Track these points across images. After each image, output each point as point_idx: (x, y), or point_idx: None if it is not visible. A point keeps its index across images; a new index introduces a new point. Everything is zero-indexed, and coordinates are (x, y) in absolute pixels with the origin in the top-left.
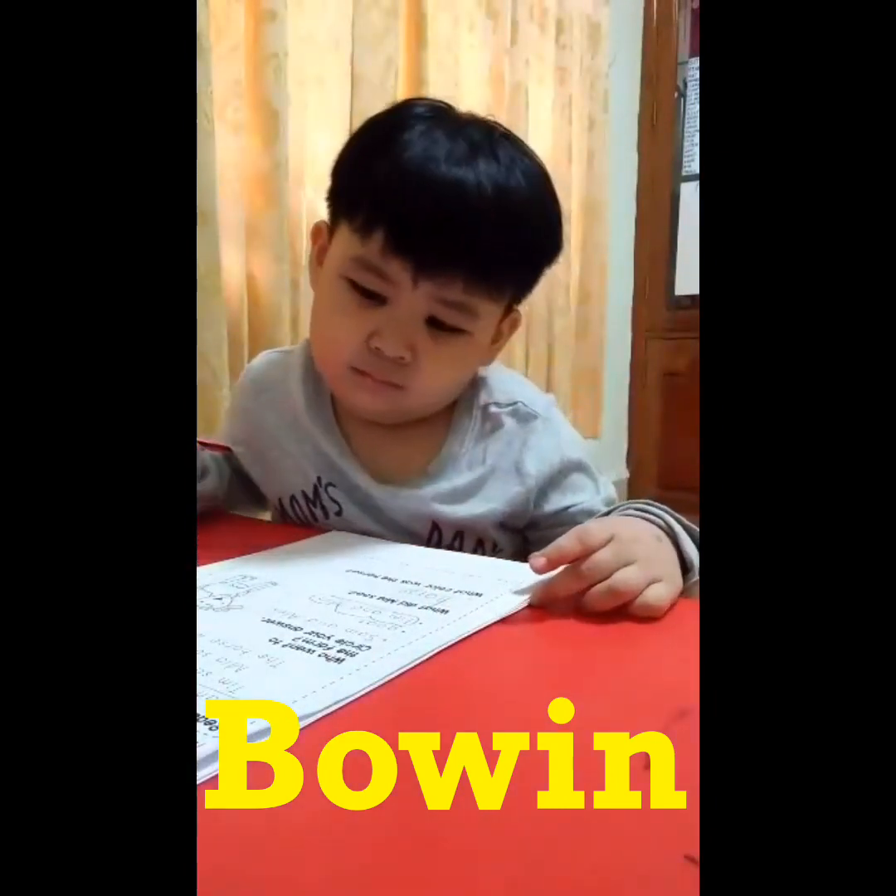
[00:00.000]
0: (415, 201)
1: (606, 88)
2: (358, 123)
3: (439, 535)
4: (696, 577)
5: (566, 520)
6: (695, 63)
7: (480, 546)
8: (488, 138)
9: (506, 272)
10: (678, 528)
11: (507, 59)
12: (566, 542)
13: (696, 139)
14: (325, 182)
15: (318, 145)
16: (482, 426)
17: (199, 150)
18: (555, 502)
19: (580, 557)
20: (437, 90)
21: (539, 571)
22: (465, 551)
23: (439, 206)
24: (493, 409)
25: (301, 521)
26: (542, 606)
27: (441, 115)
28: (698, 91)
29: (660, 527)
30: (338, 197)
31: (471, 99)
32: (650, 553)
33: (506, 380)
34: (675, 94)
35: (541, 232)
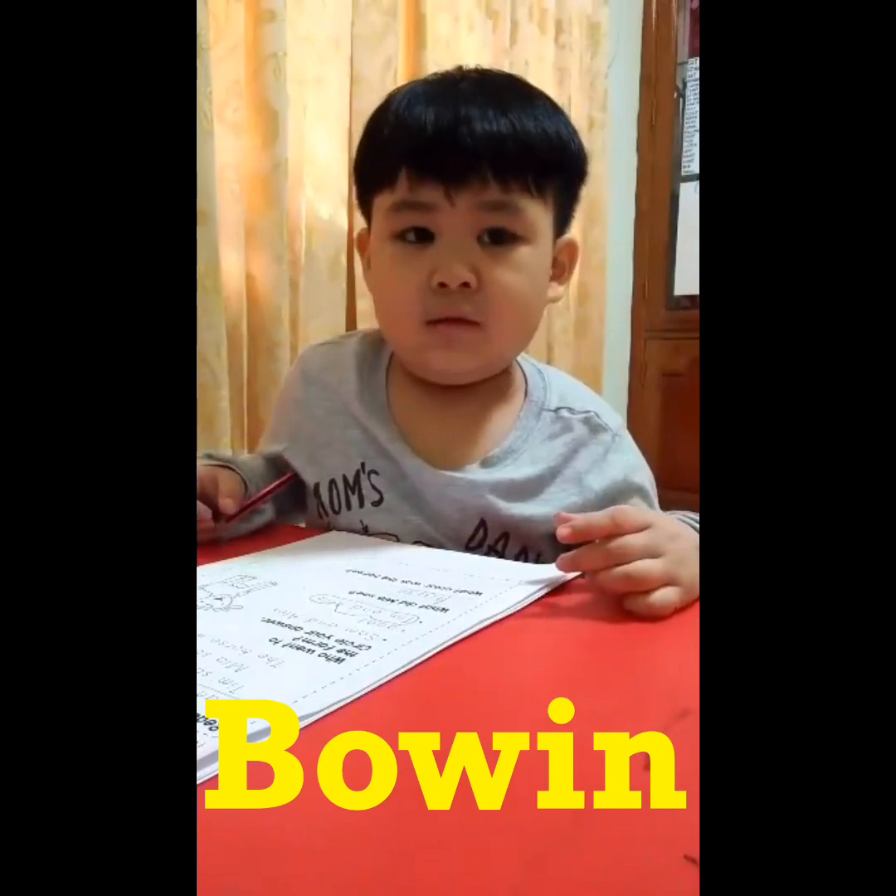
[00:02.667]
0: (417, 124)
1: (606, 88)
2: (357, 123)
3: (484, 533)
4: None
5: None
6: (694, 63)
7: (524, 554)
8: (478, 72)
9: (529, 156)
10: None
11: (507, 59)
12: (598, 517)
13: (696, 139)
14: (325, 182)
15: (317, 145)
16: (551, 427)
17: (197, 150)
18: (597, 484)
19: (609, 536)
20: None
21: (562, 540)
22: (506, 558)
23: (439, 118)
24: (564, 413)
25: (335, 511)
26: (564, 571)
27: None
28: (697, 91)
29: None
30: (362, 178)
31: None
32: (683, 555)
33: (580, 389)
34: (675, 95)
35: (548, 116)
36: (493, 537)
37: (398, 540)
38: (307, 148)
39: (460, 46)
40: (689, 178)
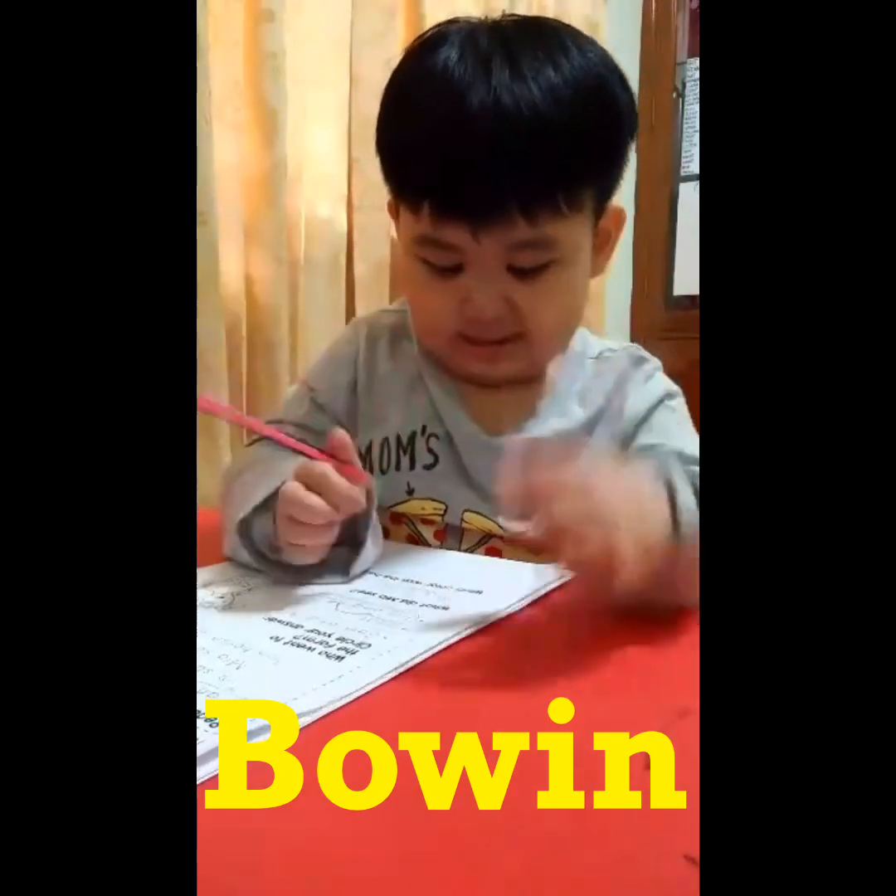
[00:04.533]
0: (436, 161)
1: None
2: (357, 124)
3: None
4: (686, 540)
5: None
6: (693, 63)
7: None
8: (503, 46)
9: (557, 185)
10: (679, 483)
11: None
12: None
13: (695, 139)
14: (325, 182)
15: (316, 146)
16: (595, 369)
17: (196, 150)
18: (641, 439)
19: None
20: None
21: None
22: None
23: (462, 146)
24: (607, 353)
25: (382, 471)
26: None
27: (451, 39)
28: (697, 91)
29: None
30: (384, 172)
31: None
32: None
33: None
34: (674, 95)
35: (578, 130)
36: None
37: (446, 509)
38: (306, 148)
39: None
40: (688, 179)
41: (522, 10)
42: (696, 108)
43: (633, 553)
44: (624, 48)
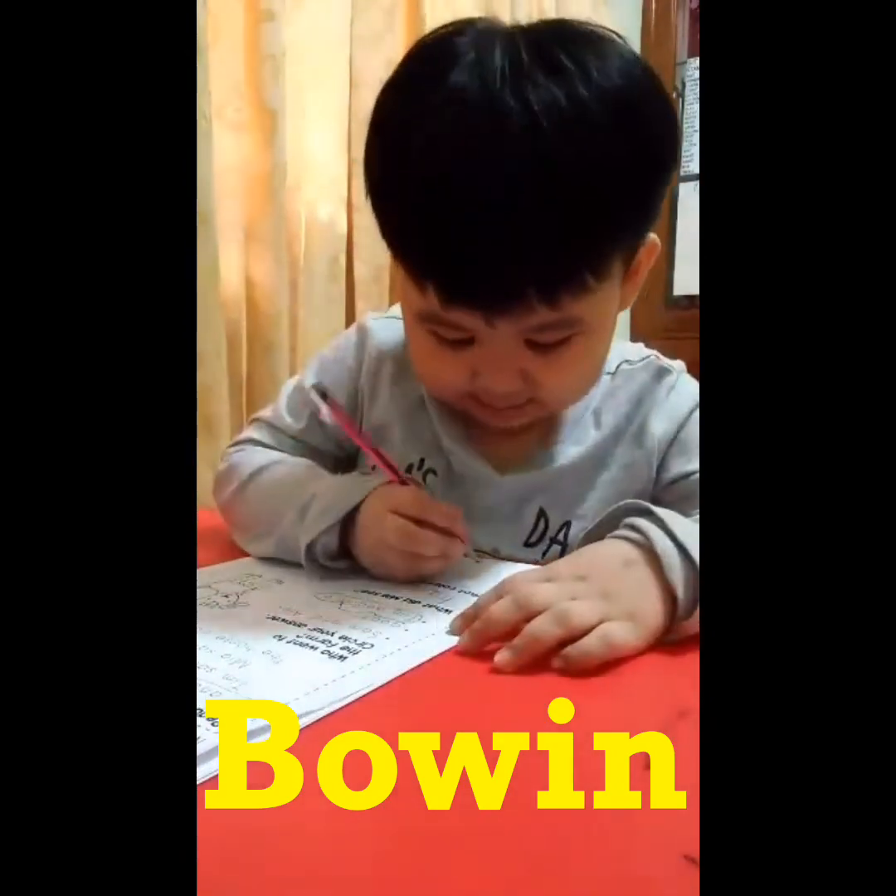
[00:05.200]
0: (439, 236)
1: None
2: (356, 124)
3: (545, 525)
4: (687, 618)
5: (689, 491)
6: (693, 63)
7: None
8: (520, 76)
9: (583, 262)
10: (668, 547)
11: None
12: (498, 608)
13: (695, 139)
14: (325, 183)
15: (316, 146)
16: (611, 386)
17: (196, 150)
18: (676, 468)
19: (519, 622)
20: None
21: (464, 651)
22: (569, 545)
23: (466, 231)
24: (624, 367)
25: None
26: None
27: (460, 60)
28: (696, 91)
29: (640, 545)
30: (378, 216)
31: None
32: (604, 586)
33: (631, 344)
34: (674, 94)
35: (610, 191)
36: (555, 528)
37: None
38: (306, 149)
39: None
40: (688, 178)
41: (522, 10)
42: (696, 107)
43: (632, 648)
44: None
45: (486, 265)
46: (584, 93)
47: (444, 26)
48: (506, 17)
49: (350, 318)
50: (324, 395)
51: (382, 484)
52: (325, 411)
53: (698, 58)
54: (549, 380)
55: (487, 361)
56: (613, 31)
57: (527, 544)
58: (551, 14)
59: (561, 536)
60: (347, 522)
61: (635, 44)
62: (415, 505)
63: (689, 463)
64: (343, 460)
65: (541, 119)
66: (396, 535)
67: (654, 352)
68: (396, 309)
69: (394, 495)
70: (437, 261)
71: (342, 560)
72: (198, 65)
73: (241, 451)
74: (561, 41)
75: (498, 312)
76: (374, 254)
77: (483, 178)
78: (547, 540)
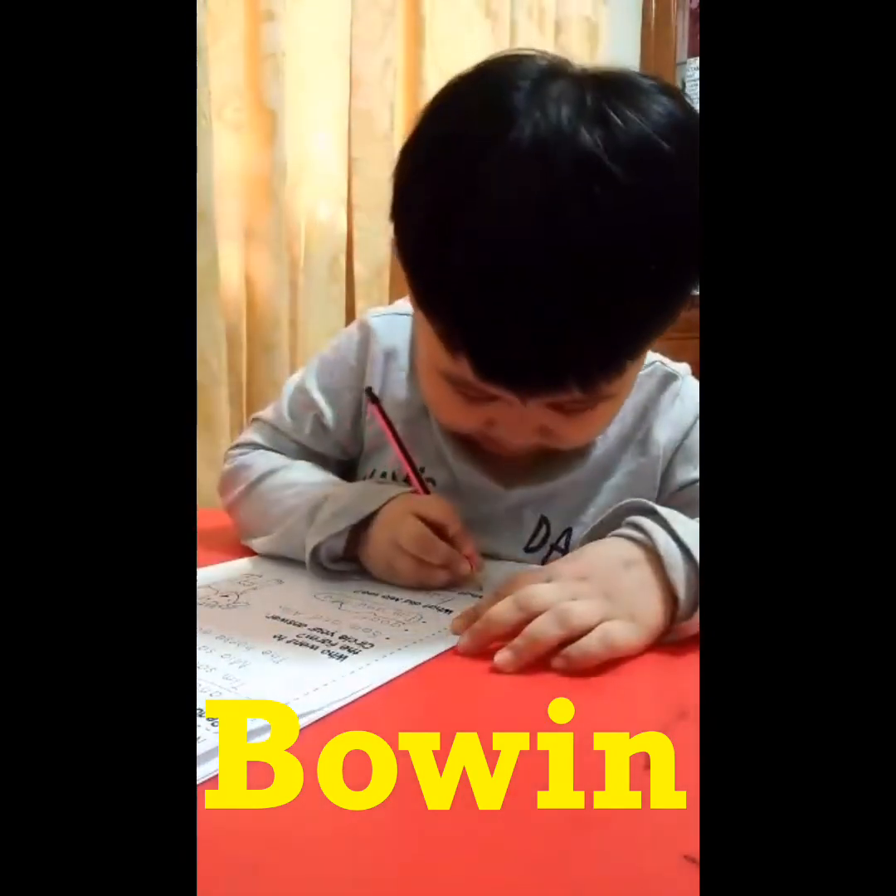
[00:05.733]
0: (479, 314)
1: None
2: (356, 124)
3: (547, 531)
4: (687, 619)
5: (694, 498)
6: (693, 63)
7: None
8: (592, 164)
9: (625, 351)
10: (670, 547)
11: None
12: (498, 609)
13: None
14: (324, 183)
15: (316, 146)
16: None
17: (196, 150)
18: (682, 475)
19: (520, 624)
20: (435, 90)
21: (464, 652)
22: (570, 551)
23: (510, 315)
24: None
25: None
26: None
27: (522, 109)
28: (697, 91)
29: (642, 545)
30: (405, 264)
31: None
32: (606, 588)
33: None
34: None
35: (666, 280)
36: (556, 534)
37: None
38: (306, 148)
39: (459, 46)
40: None
41: (522, 10)
42: (696, 108)
43: (633, 648)
44: (624, 48)
45: (530, 356)
46: (655, 170)
47: (498, 64)
48: (505, 16)
49: (350, 317)
50: (374, 399)
51: (405, 492)
52: (370, 415)
53: (698, 58)
54: (568, 434)
55: (508, 421)
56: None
57: (527, 549)
58: (551, 13)
59: (562, 543)
60: (357, 527)
61: (635, 44)
62: (438, 513)
63: (694, 470)
64: (344, 465)
65: (600, 221)
66: (412, 539)
67: (659, 356)
68: (399, 304)
69: (418, 500)
70: (479, 341)
71: (345, 563)
72: (198, 65)
73: (245, 454)
74: (630, 138)
75: (533, 394)
76: (374, 254)
77: (538, 274)
78: (547, 546)
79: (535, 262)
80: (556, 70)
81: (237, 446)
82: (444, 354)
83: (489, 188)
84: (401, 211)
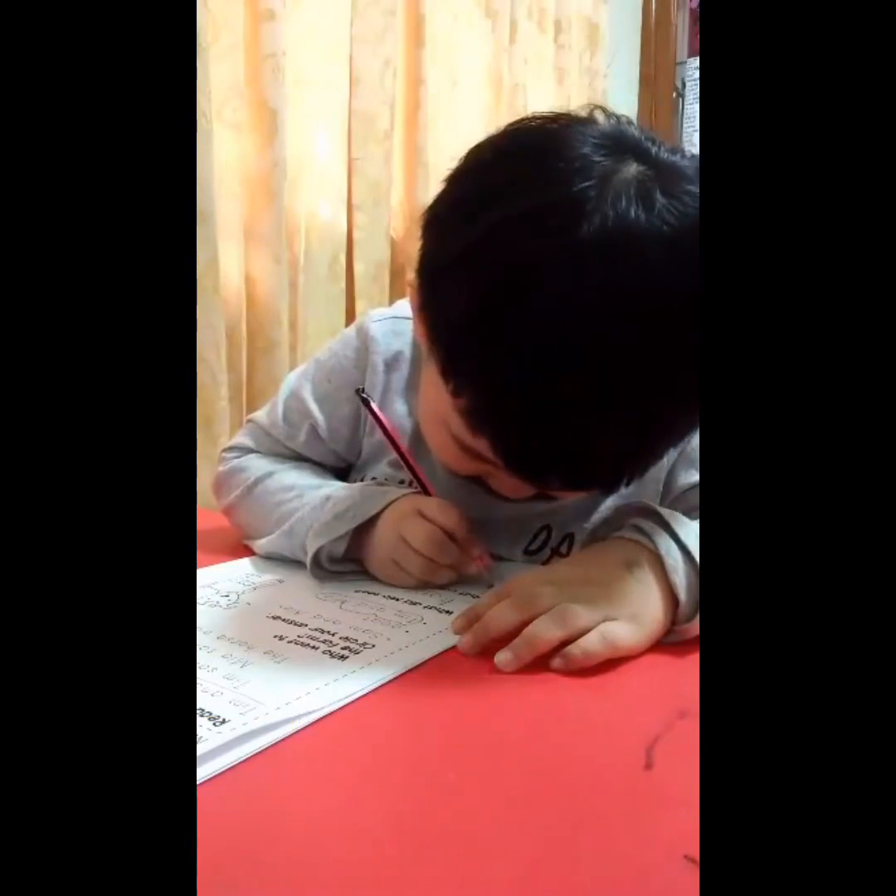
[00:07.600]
0: (513, 430)
1: (604, 88)
2: (356, 123)
3: (547, 535)
4: (689, 620)
5: (697, 501)
6: (693, 63)
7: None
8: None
9: (644, 470)
10: (671, 549)
11: (506, 59)
12: (497, 612)
13: (695, 139)
14: (324, 182)
15: (316, 146)
16: None
17: (197, 149)
18: (684, 479)
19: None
20: (435, 90)
21: (466, 650)
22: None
23: (548, 437)
24: None
25: None
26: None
27: (592, 205)
28: (697, 91)
29: (643, 546)
30: (435, 343)
31: (469, 98)
32: (608, 592)
33: None
34: (674, 94)
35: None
36: (557, 539)
37: None
38: (306, 148)
39: (459, 46)
40: None
41: (522, 9)
42: (696, 107)
43: (633, 647)
44: (624, 48)
45: (565, 474)
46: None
47: (559, 132)
48: (505, 15)
49: (350, 317)
50: (366, 402)
51: (408, 493)
52: (367, 416)
53: (698, 58)
54: (569, 495)
55: (509, 481)
56: None
57: (527, 552)
58: (551, 13)
59: (563, 548)
60: (358, 528)
61: (635, 44)
62: (444, 519)
63: (695, 473)
64: (339, 471)
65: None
66: (424, 539)
67: None
68: (399, 307)
69: (425, 501)
70: (514, 450)
71: (345, 564)
72: (198, 64)
73: (239, 457)
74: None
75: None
76: (374, 254)
77: (586, 395)
78: (548, 550)
79: (585, 383)
80: (620, 145)
81: (229, 449)
82: (462, 426)
83: (547, 301)
84: (434, 294)
